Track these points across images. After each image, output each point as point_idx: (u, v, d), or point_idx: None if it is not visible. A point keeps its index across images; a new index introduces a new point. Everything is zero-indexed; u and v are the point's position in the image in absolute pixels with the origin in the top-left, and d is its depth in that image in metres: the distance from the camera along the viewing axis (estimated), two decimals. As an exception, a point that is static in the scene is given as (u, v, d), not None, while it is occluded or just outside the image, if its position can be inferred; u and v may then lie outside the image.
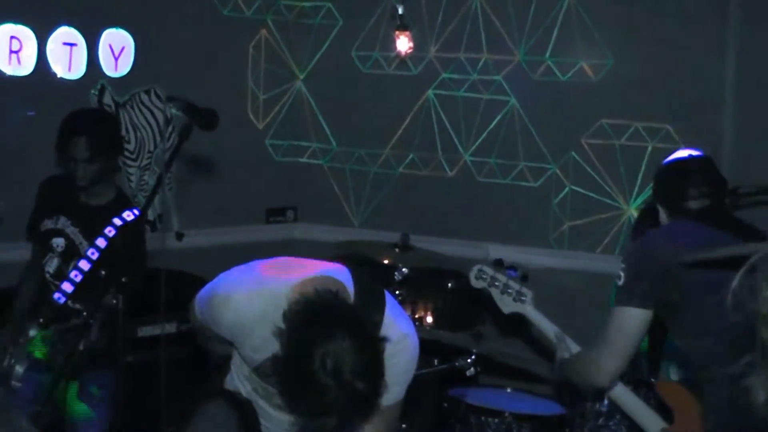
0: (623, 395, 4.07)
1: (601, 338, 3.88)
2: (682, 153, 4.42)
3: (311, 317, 2.93)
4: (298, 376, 2.88)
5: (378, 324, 3.26)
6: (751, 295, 1.23)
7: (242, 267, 3.48)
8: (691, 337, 3.81)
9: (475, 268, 4.70)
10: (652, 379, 4.05)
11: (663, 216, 4.11)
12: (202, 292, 3.55)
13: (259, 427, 3.60)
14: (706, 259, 3.46)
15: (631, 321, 3.79)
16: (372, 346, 2.94)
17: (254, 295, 3.25)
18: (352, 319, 2.97)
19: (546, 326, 4.39)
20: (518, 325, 6.10)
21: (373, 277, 3.51)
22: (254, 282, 3.32)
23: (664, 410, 4.00)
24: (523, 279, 4.48)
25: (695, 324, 3.75)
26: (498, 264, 4.65)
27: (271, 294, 3.22)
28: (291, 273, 3.29)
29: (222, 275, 3.50)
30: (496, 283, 4.60)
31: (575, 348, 4.27)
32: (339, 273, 3.35)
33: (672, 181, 4.07)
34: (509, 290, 4.52)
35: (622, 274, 3.86)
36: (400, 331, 3.30)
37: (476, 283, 4.69)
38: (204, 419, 3.72)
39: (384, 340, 3.04)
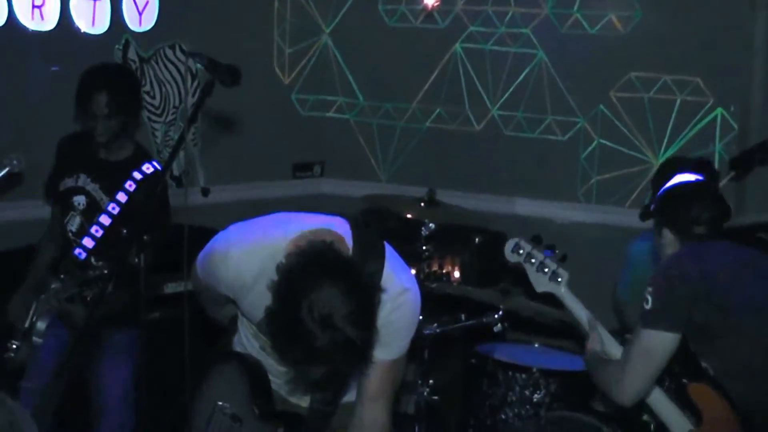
0: (652, 393, 4.01)
1: (626, 359, 3.87)
2: (687, 177, 4.36)
3: (302, 266, 2.91)
4: (286, 323, 2.86)
5: (376, 275, 3.22)
6: None
7: (240, 223, 3.48)
8: (728, 359, 3.82)
9: (512, 242, 4.48)
10: (684, 380, 3.97)
11: (668, 238, 4.06)
12: (203, 252, 3.57)
13: (270, 385, 3.59)
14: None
15: (659, 345, 3.78)
16: (364, 293, 2.92)
17: (253, 251, 3.22)
18: (344, 267, 2.95)
19: (579, 311, 4.25)
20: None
21: (377, 231, 3.47)
22: (252, 237, 3.30)
23: (693, 411, 3.94)
24: (562, 259, 4.38)
25: (736, 344, 3.77)
26: (536, 240, 4.43)
27: (269, 249, 3.20)
28: (289, 227, 3.27)
29: (221, 233, 3.51)
30: (532, 260, 4.39)
31: (607, 337, 4.15)
32: (338, 225, 3.33)
33: (684, 205, 4.03)
34: (545, 269, 4.34)
35: (649, 297, 3.83)
36: (400, 285, 3.29)
37: (511, 257, 4.48)
38: (215, 381, 3.75)
39: (378, 289, 3.03)
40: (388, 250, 3.38)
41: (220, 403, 3.64)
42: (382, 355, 3.26)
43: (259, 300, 3.16)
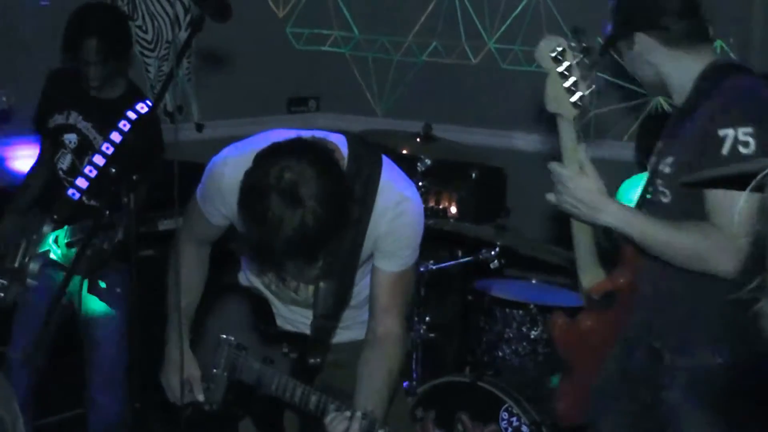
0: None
1: (730, 219, 3.11)
2: None
3: (287, 143, 3.01)
4: (253, 185, 2.94)
5: (371, 182, 3.31)
6: (761, 216, 1.09)
7: (237, 142, 3.53)
8: None
9: (553, 42, 3.42)
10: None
11: (646, 43, 3.45)
12: (202, 179, 3.63)
13: (275, 320, 3.64)
14: (710, 177, 3.18)
15: None
16: (338, 188, 2.97)
17: (250, 157, 3.13)
18: (327, 159, 3.02)
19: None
20: (545, 216, 6.05)
21: (376, 146, 3.56)
22: (250, 147, 3.27)
23: None
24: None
25: None
26: (585, 51, 3.44)
27: None
28: (288, 136, 3.23)
29: (218, 154, 3.58)
30: (566, 73, 3.40)
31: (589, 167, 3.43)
32: (333, 137, 3.37)
33: None
34: (574, 89, 3.39)
35: (750, 139, 3.11)
36: (400, 193, 3.35)
37: (543, 59, 3.49)
38: (218, 314, 3.81)
39: (354, 201, 3.13)
40: (387, 161, 3.42)
41: (224, 336, 3.67)
42: (389, 266, 3.39)
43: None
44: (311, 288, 3.51)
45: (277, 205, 2.85)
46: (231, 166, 3.37)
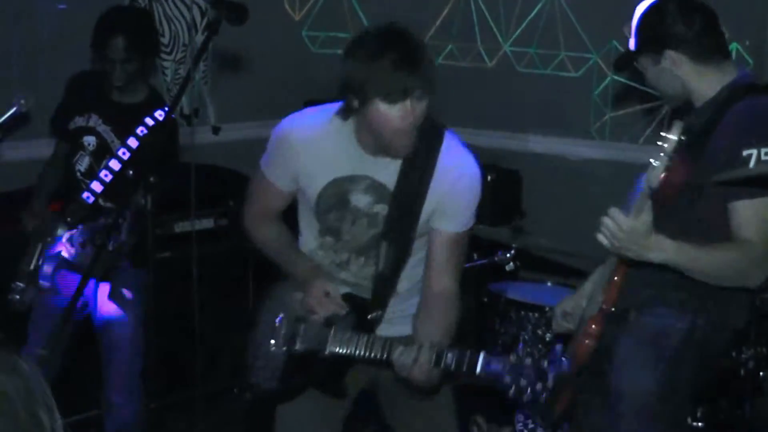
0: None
1: (757, 233, 3.32)
2: None
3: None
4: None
5: (434, 146, 3.53)
6: None
7: None
8: None
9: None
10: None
11: (673, 58, 3.57)
12: (265, 154, 3.83)
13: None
14: (739, 177, 3.25)
15: None
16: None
17: (313, 114, 3.69)
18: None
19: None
20: (560, 219, 6.04)
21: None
22: (311, 110, 3.75)
23: None
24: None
25: None
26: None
27: (329, 111, 3.59)
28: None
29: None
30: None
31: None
32: None
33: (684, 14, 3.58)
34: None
35: (753, 153, 3.28)
36: (462, 155, 3.58)
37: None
38: (273, 305, 3.86)
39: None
40: (450, 133, 3.63)
41: (281, 315, 3.74)
42: (448, 226, 3.55)
43: (320, 167, 3.59)
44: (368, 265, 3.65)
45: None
46: (297, 123, 3.71)
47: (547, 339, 4.95)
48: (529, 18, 6.60)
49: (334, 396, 3.69)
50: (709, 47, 3.61)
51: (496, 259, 5.10)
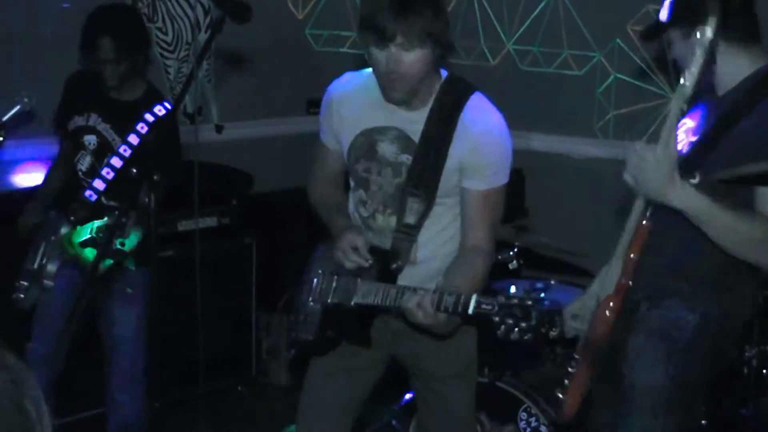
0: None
1: None
2: None
3: None
4: None
5: (462, 99, 3.64)
6: None
7: None
8: None
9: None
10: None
11: (706, 38, 3.32)
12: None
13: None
14: (744, 174, 3.23)
15: None
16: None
17: (355, 73, 3.90)
18: None
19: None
20: (563, 217, 6.03)
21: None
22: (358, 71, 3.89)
23: None
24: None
25: None
26: None
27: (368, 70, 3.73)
28: None
29: None
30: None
31: None
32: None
33: None
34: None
35: None
36: (487, 112, 3.68)
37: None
38: (318, 256, 3.99)
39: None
40: (481, 94, 3.71)
41: (320, 270, 3.85)
42: (476, 185, 3.64)
43: (357, 117, 3.76)
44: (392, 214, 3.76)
45: None
46: (337, 82, 3.92)
47: (551, 337, 4.95)
48: (533, 16, 6.58)
49: (360, 345, 3.77)
50: (742, 29, 3.52)
51: (499, 257, 5.08)
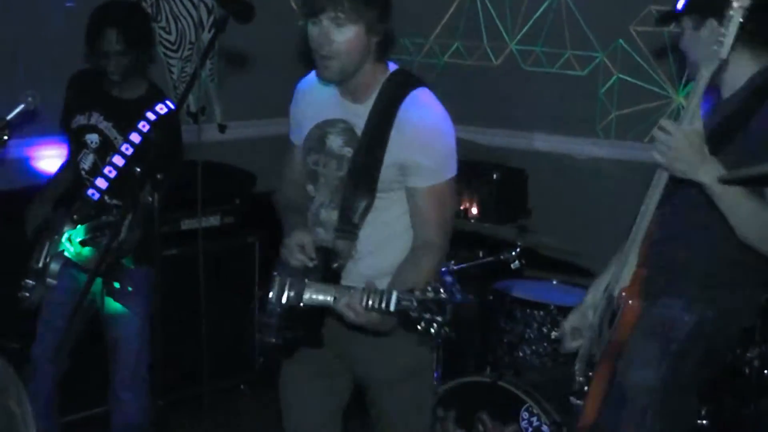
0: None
1: None
2: None
3: None
4: None
5: (400, 94, 3.59)
6: None
7: None
8: None
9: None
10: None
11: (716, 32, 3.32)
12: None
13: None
14: (747, 176, 3.23)
15: None
16: None
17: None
18: None
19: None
20: (566, 217, 6.03)
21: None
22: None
23: None
24: None
25: None
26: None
27: None
28: None
29: None
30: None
31: None
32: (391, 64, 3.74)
33: None
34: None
35: None
36: (424, 108, 3.62)
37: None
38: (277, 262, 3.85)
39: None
40: (427, 91, 3.69)
41: (276, 272, 3.75)
42: (418, 182, 3.59)
43: (313, 101, 3.80)
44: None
45: None
46: (302, 80, 3.94)
47: (552, 337, 4.95)
48: (535, 16, 6.59)
49: (311, 346, 3.73)
50: (751, 30, 3.41)
51: (501, 257, 5.09)
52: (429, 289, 3.18)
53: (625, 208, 5.28)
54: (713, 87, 3.61)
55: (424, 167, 3.57)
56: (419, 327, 3.18)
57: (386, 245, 3.69)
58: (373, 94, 3.64)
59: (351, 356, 3.86)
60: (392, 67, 3.70)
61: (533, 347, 5.00)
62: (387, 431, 3.94)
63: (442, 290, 3.16)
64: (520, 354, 5.02)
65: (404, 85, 3.65)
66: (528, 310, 5.05)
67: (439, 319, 3.15)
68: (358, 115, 3.65)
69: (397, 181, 3.62)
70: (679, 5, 3.55)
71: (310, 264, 3.64)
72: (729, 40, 3.19)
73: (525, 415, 4.51)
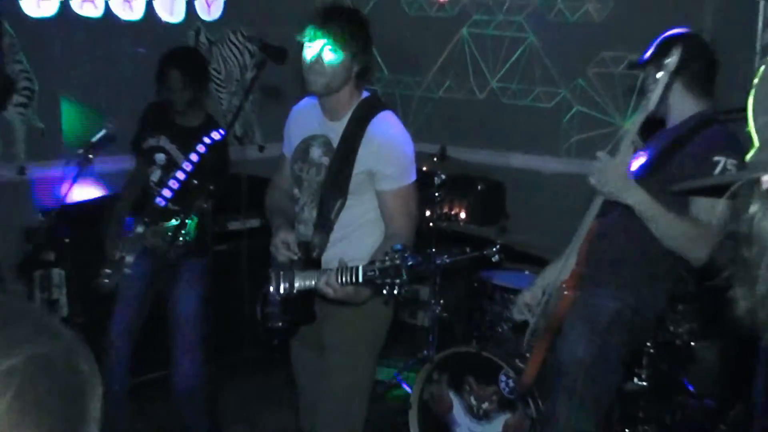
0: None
1: (712, 220, 3.29)
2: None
3: None
4: None
5: (370, 115, 3.59)
6: (733, 218, 1.12)
7: None
8: None
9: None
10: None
11: (678, 89, 3.54)
12: None
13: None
14: (697, 187, 3.24)
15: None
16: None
17: (311, 97, 3.78)
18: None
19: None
20: (536, 220, 6.04)
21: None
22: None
23: None
24: None
25: None
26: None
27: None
28: None
29: None
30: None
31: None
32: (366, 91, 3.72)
33: (705, 52, 3.61)
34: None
35: (734, 168, 3.30)
36: (388, 126, 3.60)
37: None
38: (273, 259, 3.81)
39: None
40: (391, 114, 3.67)
41: (272, 267, 3.74)
42: (384, 186, 3.57)
43: (302, 120, 3.81)
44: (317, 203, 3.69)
45: None
46: (297, 104, 3.93)
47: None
48: (511, 60, 6.58)
49: (309, 323, 3.72)
50: (698, 83, 3.60)
51: (484, 252, 5.09)
52: (386, 259, 3.14)
53: (581, 213, 5.33)
54: (662, 118, 3.67)
55: (389, 174, 3.56)
56: (384, 291, 3.15)
57: (355, 235, 3.66)
58: (348, 114, 3.63)
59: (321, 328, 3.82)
60: (365, 94, 3.70)
61: (510, 324, 5.00)
62: (328, 398, 3.81)
63: (397, 258, 3.12)
64: (499, 330, 5.00)
65: (373, 108, 3.64)
66: (506, 295, 5.02)
67: (398, 281, 3.11)
68: (335, 130, 3.65)
69: (366, 184, 3.60)
70: (647, 55, 3.60)
71: (295, 257, 3.62)
72: (655, 96, 3.26)
73: (503, 378, 4.51)
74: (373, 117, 3.60)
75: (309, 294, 3.57)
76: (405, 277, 3.12)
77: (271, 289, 3.72)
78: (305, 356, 3.96)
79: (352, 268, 3.26)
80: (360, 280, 3.24)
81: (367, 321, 3.74)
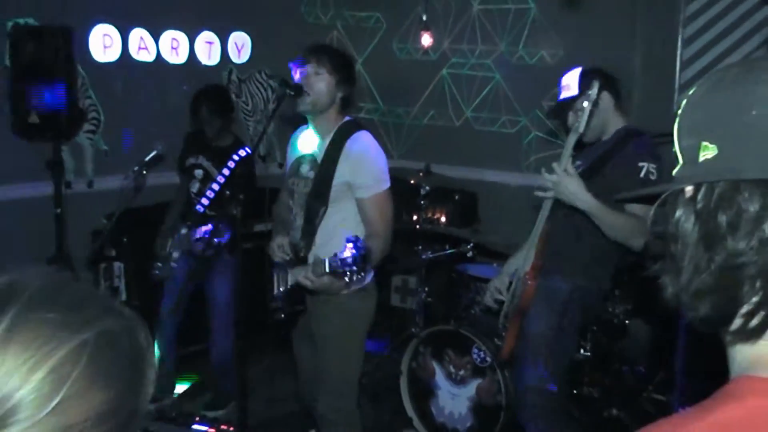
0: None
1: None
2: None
3: None
4: None
5: (348, 132, 3.49)
6: (662, 221, 1.12)
7: None
8: None
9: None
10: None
11: (607, 102, 3.55)
12: None
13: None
14: (636, 196, 3.21)
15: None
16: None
17: (306, 126, 3.66)
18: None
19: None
20: (503, 223, 6.03)
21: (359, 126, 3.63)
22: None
23: None
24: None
25: None
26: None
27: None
28: None
29: None
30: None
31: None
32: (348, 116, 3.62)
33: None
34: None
35: (656, 171, 3.30)
36: (362, 144, 3.48)
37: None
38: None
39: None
40: (368, 134, 3.53)
41: (273, 268, 3.75)
42: (361, 194, 3.46)
43: (299, 141, 3.69)
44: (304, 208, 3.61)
45: None
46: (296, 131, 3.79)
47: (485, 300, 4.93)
48: (483, 94, 6.57)
49: (304, 312, 3.68)
50: (618, 103, 3.63)
51: (461, 249, 5.10)
52: (345, 252, 3.09)
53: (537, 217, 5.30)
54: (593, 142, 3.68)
55: (364, 184, 3.45)
56: (346, 278, 3.11)
57: (335, 237, 3.51)
58: (332, 133, 3.56)
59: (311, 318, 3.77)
60: (347, 118, 3.61)
61: (481, 307, 4.99)
62: (325, 379, 3.71)
63: (353, 251, 3.06)
64: (473, 312, 5.01)
65: (351, 129, 3.54)
66: (478, 284, 5.03)
67: (354, 269, 3.07)
68: (320, 149, 3.58)
69: (345, 193, 3.51)
70: (574, 92, 3.51)
71: (287, 258, 3.59)
72: (583, 121, 3.24)
73: (475, 350, 4.52)
74: (351, 135, 3.50)
75: (301, 287, 3.52)
76: (356, 267, 3.07)
77: (275, 288, 3.72)
78: (302, 343, 3.92)
79: (321, 261, 3.19)
80: (327, 270, 3.17)
81: (347, 312, 3.63)
